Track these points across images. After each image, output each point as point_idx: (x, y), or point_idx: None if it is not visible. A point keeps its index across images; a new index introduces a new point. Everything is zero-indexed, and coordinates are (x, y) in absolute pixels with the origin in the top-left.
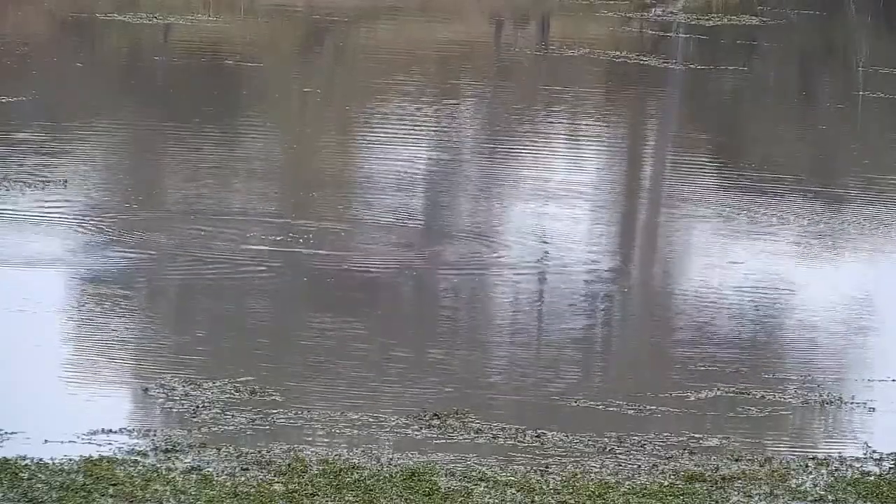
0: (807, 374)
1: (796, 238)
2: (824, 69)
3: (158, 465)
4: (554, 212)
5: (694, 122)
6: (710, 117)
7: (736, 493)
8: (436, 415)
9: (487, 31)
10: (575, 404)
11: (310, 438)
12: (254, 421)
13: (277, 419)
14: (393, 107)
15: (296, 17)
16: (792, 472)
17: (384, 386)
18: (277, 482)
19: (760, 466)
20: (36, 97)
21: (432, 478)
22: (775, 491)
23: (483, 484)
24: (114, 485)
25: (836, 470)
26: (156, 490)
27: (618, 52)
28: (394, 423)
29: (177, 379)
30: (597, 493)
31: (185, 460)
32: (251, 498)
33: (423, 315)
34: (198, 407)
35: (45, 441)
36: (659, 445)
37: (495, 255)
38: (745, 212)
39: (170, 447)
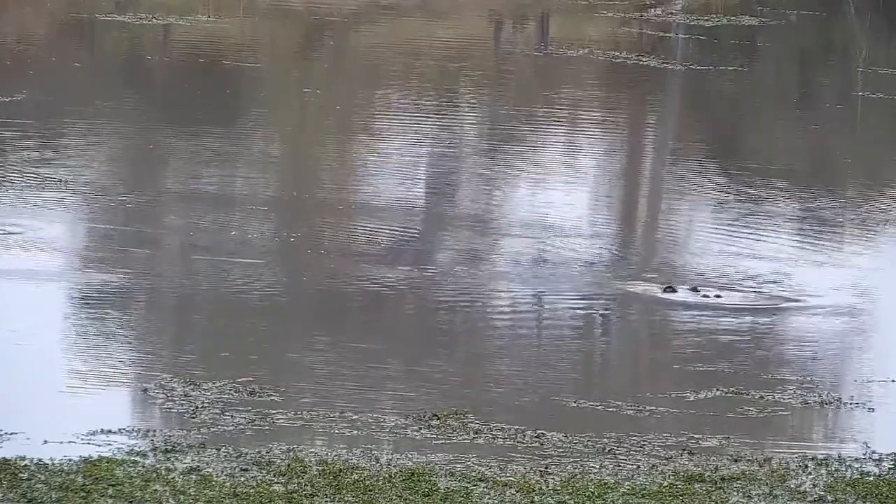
0: (806, 375)
1: (796, 237)
2: (824, 69)
3: (158, 466)
4: (552, 211)
5: (693, 122)
6: (709, 117)
7: (735, 493)
8: (435, 415)
9: (487, 32)
10: (574, 405)
11: (309, 439)
12: (253, 421)
13: (277, 419)
14: (392, 106)
15: (295, 17)
16: (791, 472)
17: (383, 386)
18: (277, 482)
19: (760, 467)
20: (35, 97)
21: (432, 478)
22: (775, 491)
23: (482, 484)
24: (113, 485)
25: (835, 470)
26: (155, 490)
27: (617, 53)
28: (393, 424)
29: (176, 379)
30: (596, 493)
31: (185, 461)
32: (251, 498)
33: (423, 314)
34: (197, 407)
35: (45, 441)
36: (658, 446)
37: (495, 251)
38: (744, 211)
39: (169, 447)
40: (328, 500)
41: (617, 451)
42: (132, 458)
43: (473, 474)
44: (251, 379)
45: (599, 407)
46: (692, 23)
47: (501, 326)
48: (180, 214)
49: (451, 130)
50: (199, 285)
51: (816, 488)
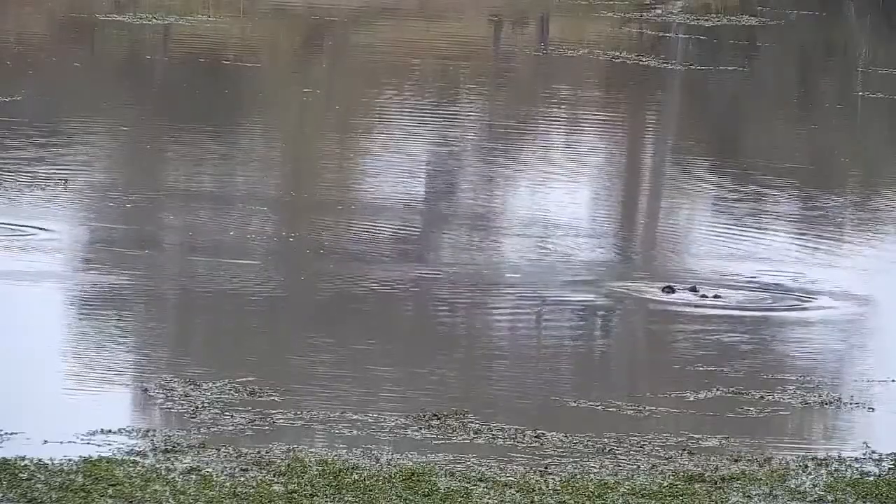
0: (806, 375)
1: (795, 237)
2: (824, 69)
3: (158, 466)
4: (552, 210)
5: (693, 122)
6: (709, 117)
7: (735, 493)
8: (435, 415)
9: (487, 32)
10: (574, 405)
11: (309, 439)
12: (253, 421)
13: (277, 419)
14: (392, 106)
15: (295, 17)
16: (791, 472)
17: (383, 386)
18: (277, 482)
19: (760, 467)
20: (35, 97)
21: (431, 478)
22: (775, 491)
23: (482, 484)
24: (113, 485)
25: (835, 470)
26: (155, 490)
27: (617, 53)
28: (393, 424)
29: (176, 379)
30: (596, 493)
31: (185, 461)
32: (251, 498)
33: (423, 314)
34: (197, 407)
35: (45, 441)
36: (658, 446)
37: (495, 251)
38: (743, 211)
39: (169, 447)
40: (328, 500)
41: (617, 451)
42: (132, 458)
43: (473, 474)
44: (251, 379)
45: (599, 407)
46: (692, 23)
47: (501, 326)
48: (179, 214)
49: (451, 130)
50: (199, 285)
51: (816, 488)
